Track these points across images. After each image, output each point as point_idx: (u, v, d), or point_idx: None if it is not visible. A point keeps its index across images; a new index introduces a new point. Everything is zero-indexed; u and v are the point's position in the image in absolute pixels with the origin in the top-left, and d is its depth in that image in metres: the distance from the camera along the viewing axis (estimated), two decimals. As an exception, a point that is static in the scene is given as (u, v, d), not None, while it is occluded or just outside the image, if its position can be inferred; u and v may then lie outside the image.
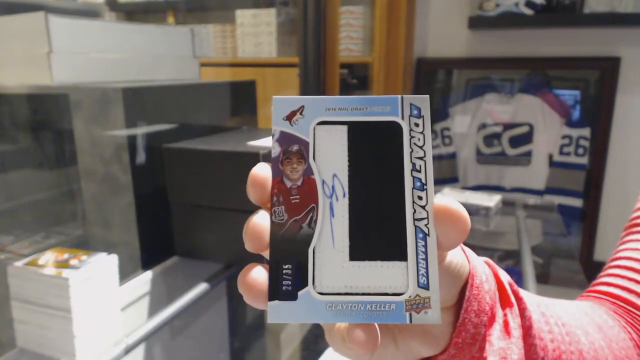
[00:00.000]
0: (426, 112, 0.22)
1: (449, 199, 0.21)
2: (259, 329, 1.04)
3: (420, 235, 0.21)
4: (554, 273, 1.01)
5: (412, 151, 0.22)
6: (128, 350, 0.63)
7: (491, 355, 0.25)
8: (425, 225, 0.21)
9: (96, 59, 0.85)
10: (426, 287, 0.21)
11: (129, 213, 0.77)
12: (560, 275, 1.00)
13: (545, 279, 0.95)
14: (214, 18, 2.54)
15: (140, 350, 0.79)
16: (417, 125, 0.22)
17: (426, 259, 0.21)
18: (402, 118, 0.22)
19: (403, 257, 0.21)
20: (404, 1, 1.89)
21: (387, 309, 0.20)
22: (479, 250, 0.28)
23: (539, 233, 1.18)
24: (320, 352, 0.69)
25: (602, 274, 0.43)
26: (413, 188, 0.21)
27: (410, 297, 0.21)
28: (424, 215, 0.21)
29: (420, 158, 0.21)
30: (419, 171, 0.21)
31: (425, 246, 0.21)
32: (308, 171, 0.22)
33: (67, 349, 0.59)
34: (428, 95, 0.22)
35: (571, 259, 1.08)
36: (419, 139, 0.22)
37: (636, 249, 0.40)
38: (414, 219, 0.21)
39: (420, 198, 0.21)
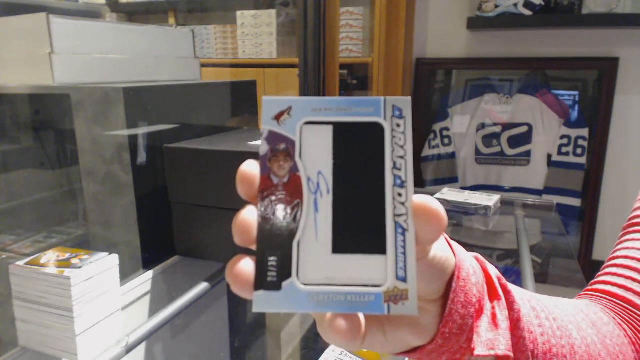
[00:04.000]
0: (408, 113, 0.23)
1: (427, 197, 0.22)
2: (260, 327, 1.04)
3: (400, 230, 0.22)
4: (552, 272, 1.01)
5: (393, 150, 0.22)
6: (129, 349, 0.64)
7: (479, 346, 0.26)
8: (405, 220, 0.22)
9: (97, 59, 0.85)
10: (404, 279, 0.21)
11: (130, 213, 0.77)
12: (558, 275, 1.01)
13: (544, 278, 0.95)
14: (214, 19, 2.54)
15: (141, 349, 0.79)
16: (398, 125, 0.23)
17: (405, 253, 0.22)
18: (385, 119, 0.23)
19: (383, 250, 0.22)
20: (403, 2, 1.90)
21: (366, 300, 0.21)
22: (478, 249, 0.29)
23: (538, 232, 1.19)
24: (320, 351, 0.69)
25: (599, 273, 0.43)
26: (394, 185, 0.22)
27: (388, 289, 0.21)
28: (404, 211, 0.22)
29: (401, 157, 0.22)
30: (400, 169, 0.22)
31: (404, 241, 0.22)
32: (294, 169, 0.22)
33: (69, 347, 0.60)
34: (410, 97, 0.23)
35: (570, 259, 1.08)
36: (400, 139, 0.23)
37: (633, 248, 0.41)
38: (394, 215, 0.22)
39: (400, 195, 0.22)
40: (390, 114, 0.23)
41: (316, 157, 0.23)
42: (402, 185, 0.22)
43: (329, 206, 0.22)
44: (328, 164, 0.22)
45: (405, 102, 0.23)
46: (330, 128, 0.23)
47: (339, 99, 0.23)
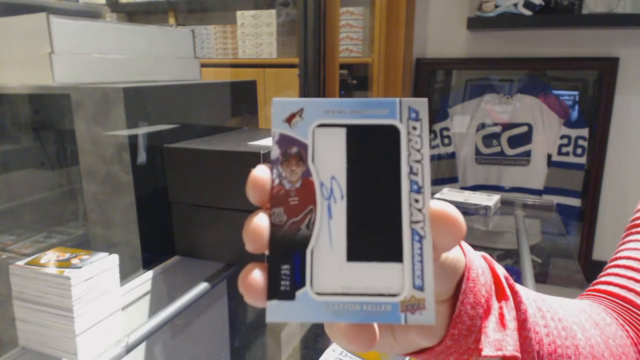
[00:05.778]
0: (424, 115, 0.22)
1: (446, 203, 0.22)
2: (260, 328, 1.04)
3: (417, 237, 0.21)
4: (552, 272, 1.01)
5: (409, 154, 0.22)
6: (129, 349, 0.64)
7: (487, 347, 0.25)
8: (422, 227, 0.21)
9: (97, 59, 0.85)
10: (421, 288, 0.21)
11: (130, 213, 0.77)
12: (558, 275, 1.01)
13: (544, 279, 0.95)
14: (214, 19, 2.54)
15: (141, 349, 0.79)
16: (415, 128, 0.22)
17: (422, 261, 0.21)
18: (400, 121, 0.22)
19: (399, 258, 0.21)
20: (403, 2, 1.90)
21: (383, 309, 0.21)
22: (478, 249, 0.29)
23: (538, 232, 1.19)
24: (320, 351, 0.69)
25: (601, 274, 0.43)
26: (410, 191, 0.21)
27: (405, 298, 0.21)
28: (421, 218, 0.21)
29: (418, 161, 0.22)
30: (416, 174, 0.22)
31: (421, 248, 0.21)
32: (307, 173, 0.22)
33: (69, 347, 0.60)
34: (426, 99, 0.22)
35: (570, 259, 1.08)
36: (416, 142, 0.22)
37: (636, 249, 0.41)
38: (411, 222, 0.21)
39: (416, 201, 0.21)
40: (406, 116, 0.22)
41: (329, 161, 0.22)
42: (419, 190, 0.21)
43: (343, 212, 0.21)
44: (342, 168, 0.22)
45: (421, 104, 0.22)
46: (343, 131, 0.22)
47: (352, 100, 0.22)
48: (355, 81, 2.16)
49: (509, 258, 1.05)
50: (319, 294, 0.21)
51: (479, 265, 0.27)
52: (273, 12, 2.18)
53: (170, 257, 0.84)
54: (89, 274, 0.60)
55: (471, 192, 1.27)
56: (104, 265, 0.62)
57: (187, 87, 0.92)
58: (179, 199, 0.82)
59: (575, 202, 2.00)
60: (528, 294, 0.30)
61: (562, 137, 1.99)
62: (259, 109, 1.12)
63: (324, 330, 0.25)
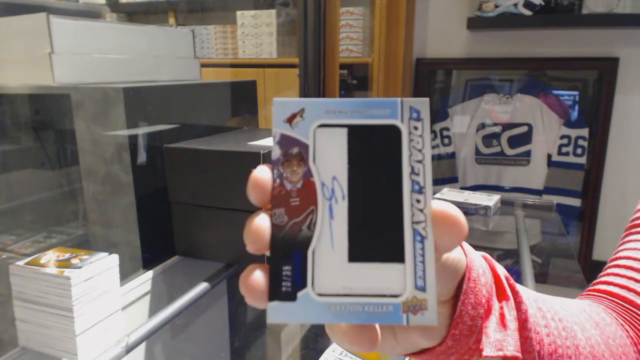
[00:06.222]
0: (426, 115, 0.22)
1: (447, 204, 0.22)
2: (260, 328, 1.04)
3: (418, 237, 0.21)
4: (552, 272, 1.02)
5: (411, 154, 0.22)
6: (129, 349, 0.64)
7: (487, 347, 0.25)
8: (423, 228, 0.21)
9: (97, 59, 0.85)
10: (423, 289, 0.21)
11: (130, 213, 0.77)
12: (558, 275, 1.01)
13: (544, 279, 0.95)
14: (214, 19, 2.54)
15: (141, 349, 0.79)
16: (416, 128, 0.22)
17: (423, 261, 0.21)
18: (402, 121, 0.22)
19: (401, 259, 0.21)
20: (403, 2, 1.90)
21: (385, 310, 0.21)
22: (478, 249, 0.29)
23: (538, 233, 1.19)
24: (320, 351, 0.69)
25: (601, 274, 0.43)
26: (412, 191, 0.21)
27: (407, 299, 0.21)
28: (422, 218, 0.21)
29: (419, 161, 0.22)
30: (418, 174, 0.22)
31: (423, 249, 0.21)
32: (308, 174, 0.22)
33: (69, 347, 0.60)
34: (428, 98, 0.22)
35: (570, 259, 1.08)
36: (418, 142, 0.22)
37: (635, 249, 0.41)
38: (412, 222, 0.21)
39: (418, 201, 0.21)
40: (408, 115, 0.22)
41: (330, 162, 0.22)
42: (421, 191, 0.22)
43: (345, 213, 0.21)
44: (343, 168, 0.22)
45: (423, 104, 0.22)
46: (345, 131, 0.22)
47: (353, 100, 0.22)
48: (355, 81, 2.16)
49: (509, 258, 1.05)
50: (320, 294, 0.21)
51: (480, 265, 0.27)
52: (273, 12, 2.18)
53: (170, 257, 0.84)
54: (89, 274, 0.60)
55: (471, 192, 1.27)
56: (104, 265, 0.62)
57: (187, 87, 0.92)
58: (179, 199, 0.82)
59: (575, 202, 2.00)
60: (528, 294, 0.30)
61: (562, 137, 1.99)
62: (259, 109, 1.12)
63: (324, 331, 0.25)
